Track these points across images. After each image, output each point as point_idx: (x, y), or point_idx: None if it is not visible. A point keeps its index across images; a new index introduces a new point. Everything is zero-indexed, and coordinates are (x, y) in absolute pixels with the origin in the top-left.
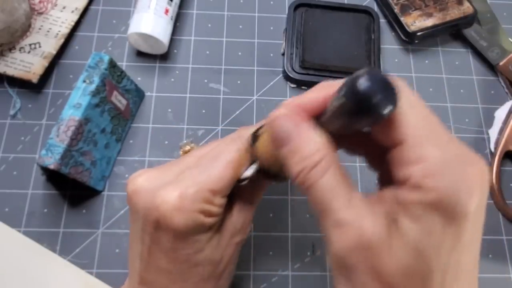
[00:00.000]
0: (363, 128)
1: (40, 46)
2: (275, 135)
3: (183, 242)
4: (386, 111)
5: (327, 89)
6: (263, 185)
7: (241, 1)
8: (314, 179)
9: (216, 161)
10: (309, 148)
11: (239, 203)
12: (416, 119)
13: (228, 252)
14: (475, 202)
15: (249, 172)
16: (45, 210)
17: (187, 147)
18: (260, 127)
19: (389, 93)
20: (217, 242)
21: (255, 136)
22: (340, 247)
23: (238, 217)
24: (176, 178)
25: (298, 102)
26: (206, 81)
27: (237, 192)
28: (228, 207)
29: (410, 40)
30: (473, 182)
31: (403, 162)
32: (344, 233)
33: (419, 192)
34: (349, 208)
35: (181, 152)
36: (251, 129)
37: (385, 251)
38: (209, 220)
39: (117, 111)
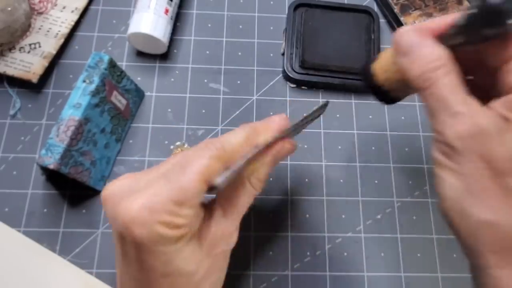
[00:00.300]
0: (485, 40)
1: (40, 46)
2: (399, 46)
3: (147, 253)
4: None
5: (447, 19)
6: (244, 192)
7: (241, 1)
8: (436, 78)
9: (183, 170)
10: (432, 55)
11: (218, 212)
12: None
13: (206, 263)
14: None
15: (220, 179)
16: (45, 210)
17: (178, 150)
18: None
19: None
20: (190, 253)
21: (372, 59)
22: (455, 133)
23: (217, 227)
24: (145, 186)
25: (421, 25)
26: (206, 81)
27: (217, 201)
28: (207, 217)
29: None
30: None
31: None
32: (460, 121)
33: None
34: (466, 104)
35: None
36: (257, 124)
37: (496, 140)
38: (174, 233)
39: (117, 111)
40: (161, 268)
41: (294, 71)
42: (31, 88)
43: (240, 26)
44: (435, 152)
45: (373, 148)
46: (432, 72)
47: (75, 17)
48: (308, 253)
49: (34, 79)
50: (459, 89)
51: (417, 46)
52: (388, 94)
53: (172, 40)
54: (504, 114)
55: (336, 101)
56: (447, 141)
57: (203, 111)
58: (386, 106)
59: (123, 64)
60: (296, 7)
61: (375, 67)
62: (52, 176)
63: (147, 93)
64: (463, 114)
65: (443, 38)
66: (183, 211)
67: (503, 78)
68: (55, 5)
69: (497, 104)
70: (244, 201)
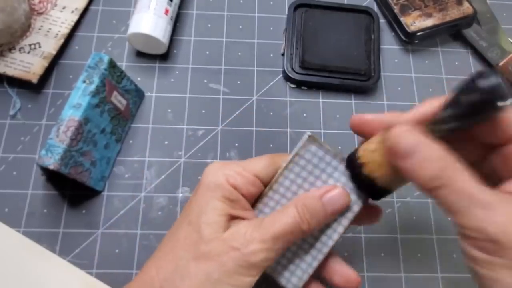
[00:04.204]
0: (481, 121)
1: (40, 46)
2: (399, 152)
3: (196, 195)
4: (509, 102)
5: (435, 102)
6: (284, 215)
7: (241, 1)
8: (451, 175)
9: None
10: (437, 153)
11: (260, 218)
12: None
13: (220, 246)
14: None
15: None
16: (45, 211)
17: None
18: (356, 149)
19: (508, 88)
20: (215, 223)
21: (356, 156)
22: (498, 227)
23: (246, 227)
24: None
25: (413, 116)
26: (206, 81)
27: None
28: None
29: (410, 40)
30: None
31: None
32: (498, 212)
33: None
34: (492, 193)
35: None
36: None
37: None
38: (228, 187)
39: (117, 111)
40: (192, 217)
41: (294, 72)
42: (31, 88)
43: (240, 26)
44: (471, 250)
45: None
46: (443, 171)
47: (75, 17)
48: None
49: (34, 80)
50: (475, 179)
51: (419, 147)
52: (379, 189)
53: (172, 40)
54: None
55: (336, 101)
56: (489, 237)
57: (203, 111)
58: (386, 107)
59: (123, 64)
60: (296, 7)
61: (365, 161)
62: (52, 177)
63: (147, 94)
64: (497, 204)
65: (433, 124)
66: (247, 173)
67: (505, 163)
68: (55, 5)
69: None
70: (284, 225)
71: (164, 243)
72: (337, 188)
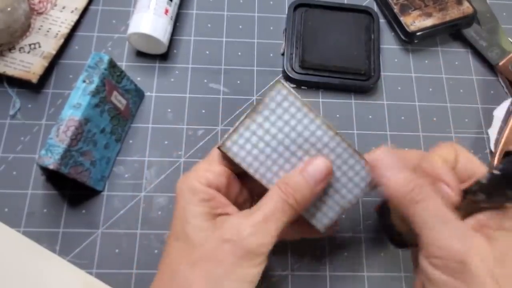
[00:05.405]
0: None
1: (39, 46)
2: (374, 173)
3: (176, 206)
4: None
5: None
6: (273, 195)
7: (241, 1)
8: (425, 195)
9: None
10: (411, 175)
11: (246, 207)
12: None
13: (212, 244)
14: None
15: (227, 143)
16: (45, 210)
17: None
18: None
19: None
20: (202, 224)
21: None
22: (464, 249)
23: (235, 217)
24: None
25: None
26: (205, 81)
27: (257, 200)
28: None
29: (410, 40)
30: None
31: None
32: (466, 238)
33: None
34: (463, 222)
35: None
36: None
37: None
38: (202, 187)
39: (117, 111)
40: (177, 231)
41: (294, 71)
42: (31, 88)
43: (240, 26)
44: (434, 272)
45: (373, 148)
46: (424, 187)
47: (75, 17)
48: (308, 253)
49: (34, 79)
50: (449, 208)
51: (394, 167)
52: (406, 241)
53: (172, 40)
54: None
55: (336, 101)
56: (456, 256)
57: (203, 111)
58: (386, 106)
59: (123, 64)
60: (296, 7)
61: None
62: (52, 176)
63: (147, 93)
64: (469, 231)
65: (466, 192)
66: (212, 167)
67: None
68: (55, 5)
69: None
70: (271, 205)
71: (160, 269)
72: (316, 159)
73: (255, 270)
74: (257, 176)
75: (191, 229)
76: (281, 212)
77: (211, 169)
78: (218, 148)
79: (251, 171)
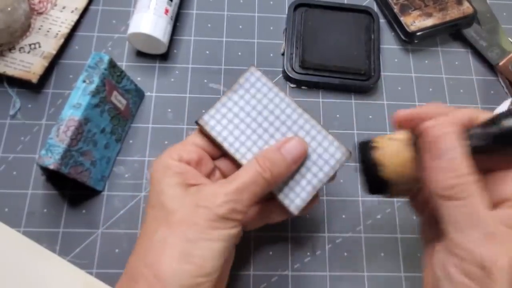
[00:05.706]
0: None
1: (40, 46)
2: (432, 145)
3: (152, 183)
4: None
5: (478, 112)
6: (249, 168)
7: (241, 1)
8: (472, 192)
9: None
10: (469, 167)
11: (221, 176)
12: None
13: (186, 211)
14: None
15: (205, 117)
16: (45, 210)
17: None
18: (370, 141)
19: None
20: (176, 194)
21: (371, 140)
22: (489, 255)
23: (210, 185)
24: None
25: (455, 119)
26: (206, 81)
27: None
28: (212, 177)
29: (410, 40)
30: None
31: None
32: (494, 244)
33: None
34: (496, 224)
35: None
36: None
37: None
38: (176, 163)
39: (117, 111)
40: (153, 200)
41: (294, 71)
42: (31, 88)
43: (240, 26)
44: (455, 273)
45: None
46: (464, 185)
47: (75, 17)
48: (308, 253)
49: (34, 79)
50: (486, 204)
51: (453, 153)
52: (392, 188)
53: (172, 40)
54: None
55: (336, 101)
56: (479, 261)
57: (203, 111)
58: (386, 106)
59: (123, 64)
60: (296, 7)
61: (381, 158)
62: (52, 176)
63: (147, 93)
64: (499, 235)
65: (467, 136)
66: (185, 147)
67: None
68: (55, 5)
69: None
70: (246, 176)
71: (139, 236)
72: (294, 138)
73: (229, 231)
74: (231, 151)
75: (166, 198)
76: (255, 184)
77: (183, 148)
78: (196, 122)
79: (225, 145)
